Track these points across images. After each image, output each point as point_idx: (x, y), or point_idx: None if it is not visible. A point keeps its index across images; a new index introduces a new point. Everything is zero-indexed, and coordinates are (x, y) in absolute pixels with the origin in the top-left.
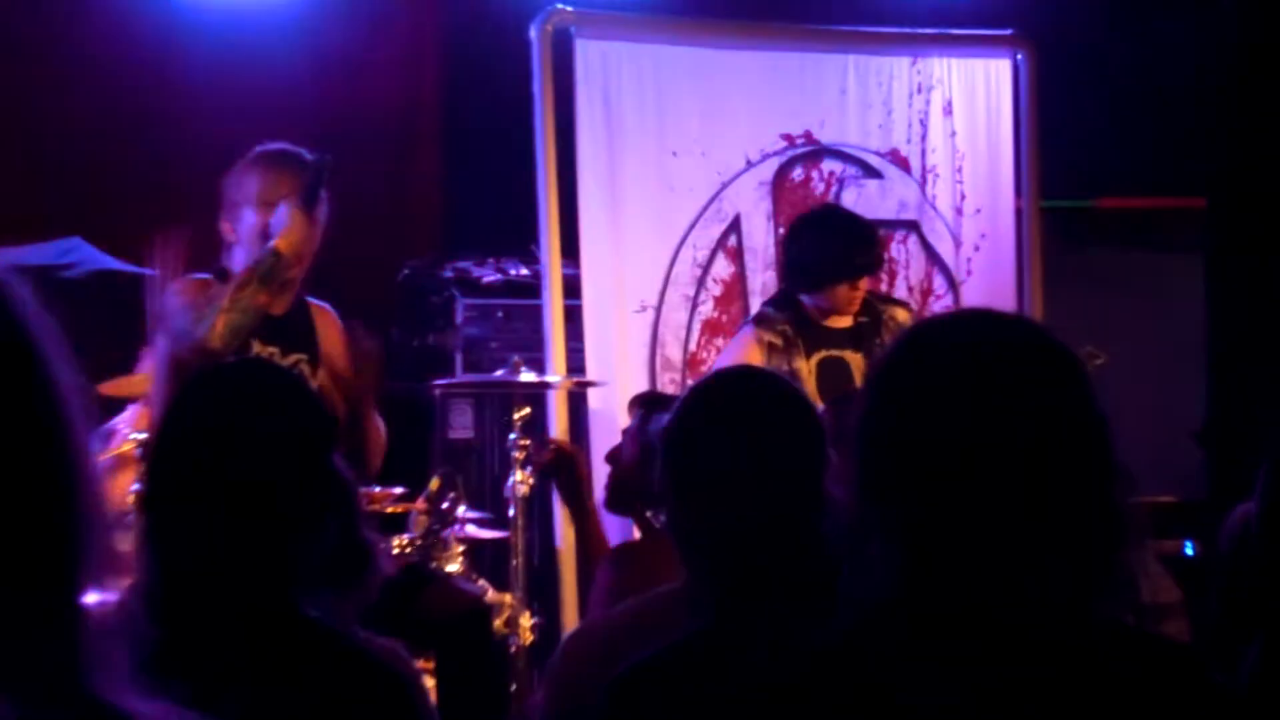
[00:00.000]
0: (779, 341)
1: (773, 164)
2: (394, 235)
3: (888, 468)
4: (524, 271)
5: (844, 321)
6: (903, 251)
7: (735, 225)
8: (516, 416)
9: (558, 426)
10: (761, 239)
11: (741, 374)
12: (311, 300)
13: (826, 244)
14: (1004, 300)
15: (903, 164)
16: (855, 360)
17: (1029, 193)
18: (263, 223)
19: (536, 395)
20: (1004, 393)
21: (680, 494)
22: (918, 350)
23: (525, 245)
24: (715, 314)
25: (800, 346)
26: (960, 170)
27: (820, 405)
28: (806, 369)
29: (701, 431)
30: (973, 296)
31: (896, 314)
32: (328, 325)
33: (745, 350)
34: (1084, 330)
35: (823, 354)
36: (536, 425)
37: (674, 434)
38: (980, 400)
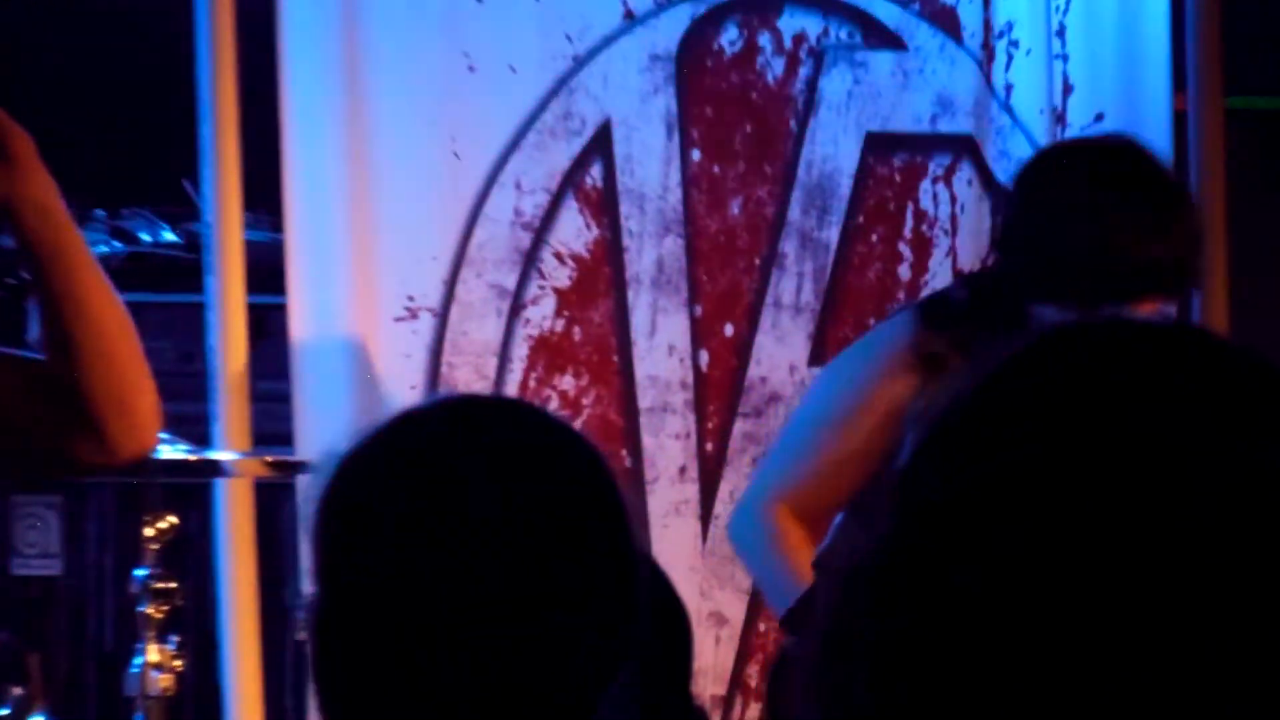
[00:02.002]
0: (958, 361)
1: (678, 21)
2: None
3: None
4: (168, 237)
5: None
6: (944, 197)
7: (602, 143)
8: (150, 533)
9: (236, 559)
10: (657, 171)
11: (467, 411)
12: None
13: (1127, 228)
14: None
15: (945, 22)
16: None
17: (1203, 84)
18: None
19: (192, 490)
20: (1171, 494)
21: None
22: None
23: (173, 184)
24: (558, 324)
25: None
26: (1063, 34)
27: None
28: None
29: (370, 528)
30: None
31: None
32: None
33: (880, 360)
34: None
35: None
36: (191, 552)
37: (324, 527)
38: (1132, 507)
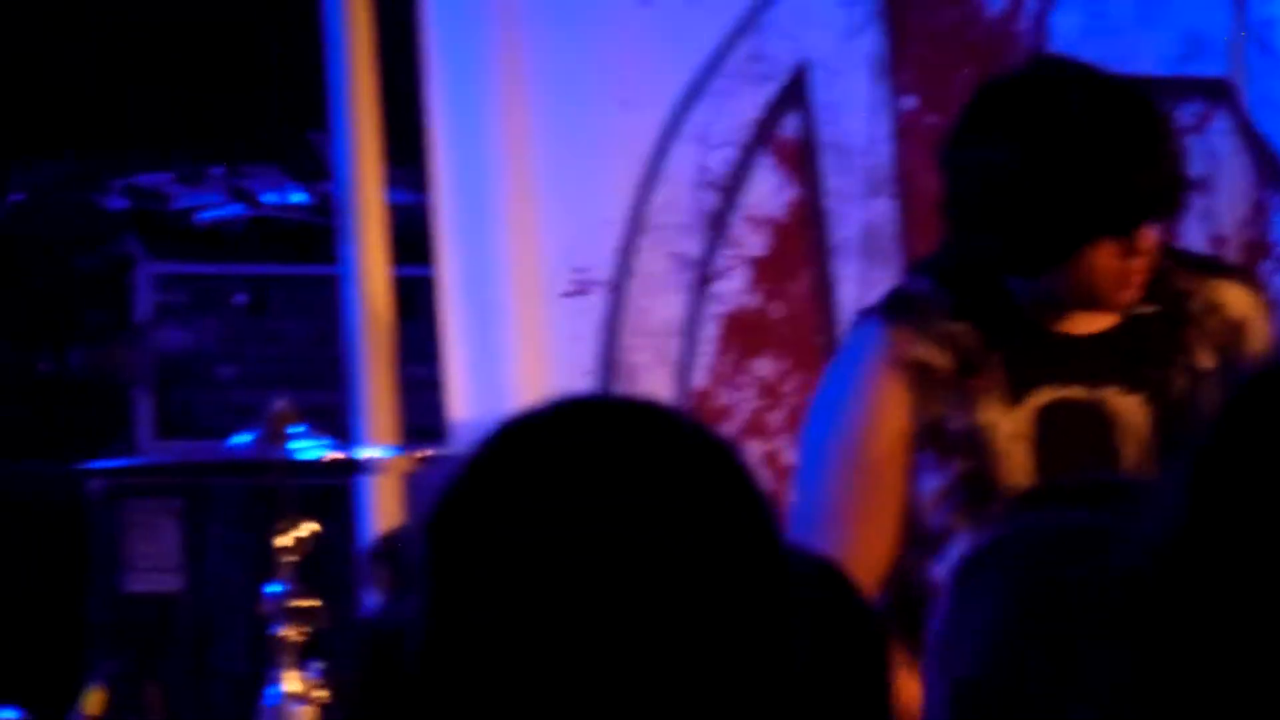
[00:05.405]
0: (946, 363)
1: None
2: None
3: None
4: (296, 200)
5: (1098, 321)
6: (1197, 150)
7: (798, 90)
8: (285, 542)
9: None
10: (863, 121)
11: (588, 416)
12: None
13: (1053, 159)
14: None
15: None
16: (1128, 408)
17: None
18: None
19: (331, 491)
20: None
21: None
22: None
23: (297, 136)
24: (753, 298)
25: (999, 373)
26: None
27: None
28: (1012, 427)
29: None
30: None
31: (1224, 296)
32: None
33: (866, 386)
34: None
35: (1051, 393)
36: (333, 565)
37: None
38: None
